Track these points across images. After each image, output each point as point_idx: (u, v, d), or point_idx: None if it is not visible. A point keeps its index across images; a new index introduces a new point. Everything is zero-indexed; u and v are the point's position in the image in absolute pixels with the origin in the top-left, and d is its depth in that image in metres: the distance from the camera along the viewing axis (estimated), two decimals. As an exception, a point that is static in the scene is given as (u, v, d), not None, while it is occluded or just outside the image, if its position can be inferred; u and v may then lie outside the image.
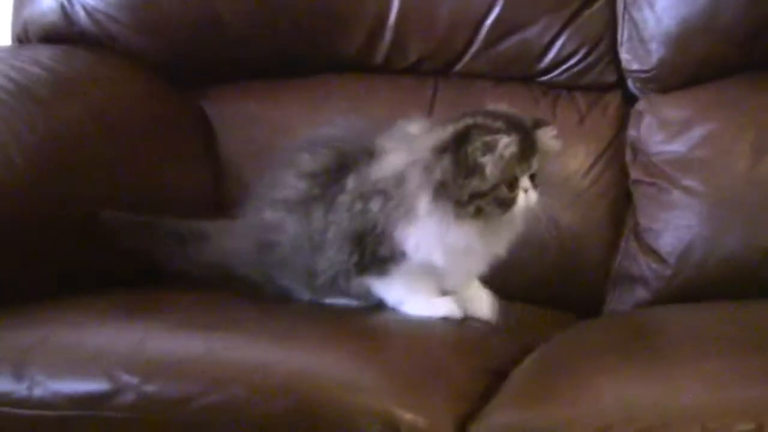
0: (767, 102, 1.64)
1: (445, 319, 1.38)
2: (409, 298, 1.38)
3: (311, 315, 1.39)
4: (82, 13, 1.79)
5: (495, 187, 1.31)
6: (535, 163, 1.34)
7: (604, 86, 1.75)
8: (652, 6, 1.68)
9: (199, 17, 1.78)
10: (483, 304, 1.40)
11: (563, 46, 1.74)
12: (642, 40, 1.69)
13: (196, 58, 1.81)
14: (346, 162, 1.38)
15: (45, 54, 1.72)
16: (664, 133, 1.67)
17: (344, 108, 1.78)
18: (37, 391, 1.23)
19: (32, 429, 1.23)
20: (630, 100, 1.74)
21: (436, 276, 1.37)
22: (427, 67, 1.79)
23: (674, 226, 1.61)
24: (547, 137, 1.37)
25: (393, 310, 1.40)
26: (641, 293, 1.63)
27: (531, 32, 1.74)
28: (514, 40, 1.75)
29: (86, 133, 1.61)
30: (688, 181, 1.63)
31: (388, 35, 1.78)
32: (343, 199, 1.37)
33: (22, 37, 1.83)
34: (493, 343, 1.36)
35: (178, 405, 1.20)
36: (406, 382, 1.21)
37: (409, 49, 1.78)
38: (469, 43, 1.76)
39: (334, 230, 1.37)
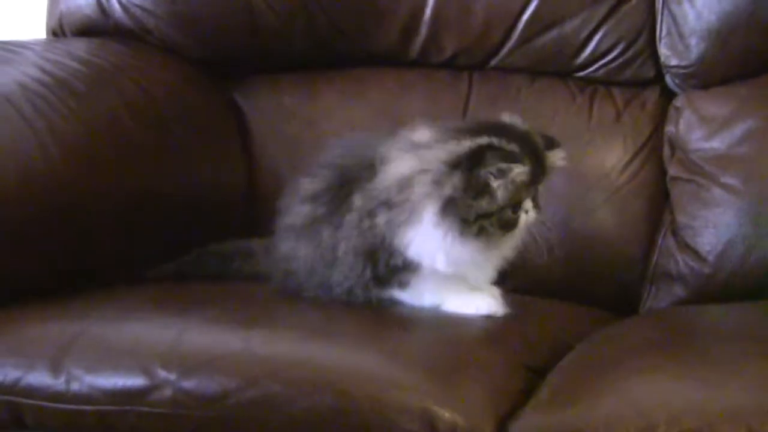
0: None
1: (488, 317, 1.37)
2: (447, 297, 1.38)
3: (349, 310, 1.38)
4: (117, 7, 1.79)
5: (501, 209, 1.32)
6: (541, 186, 1.36)
7: (642, 82, 1.73)
8: (692, 1, 1.66)
9: (234, 10, 1.78)
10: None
11: (601, 41, 1.72)
12: (681, 35, 1.67)
13: (231, 50, 1.80)
14: (348, 178, 1.39)
15: (81, 47, 1.72)
16: (703, 129, 1.65)
17: (379, 102, 1.77)
18: (74, 386, 1.23)
19: (69, 423, 1.23)
20: (668, 95, 1.72)
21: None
22: (463, 62, 1.78)
23: (713, 224, 1.59)
24: (557, 158, 1.39)
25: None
26: (679, 291, 1.61)
27: (568, 27, 1.72)
28: (551, 35, 1.73)
29: (123, 126, 1.61)
30: (727, 179, 1.61)
31: (424, 29, 1.77)
32: (351, 218, 1.37)
33: (57, 31, 1.83)
34: (531, 340, 1.35)
35: (215, 401, 1.20)
36: (445, 379, 1.21)
37: (444, 43, 1.77)
38: (506, 37, 1.75)
39: (344, 246, 1.37)
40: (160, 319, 1.36)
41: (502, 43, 1.75)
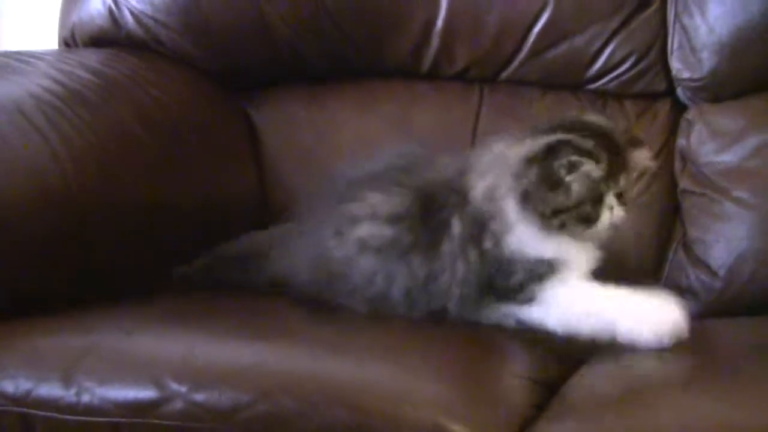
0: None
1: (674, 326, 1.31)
2: (623, 319, 1.32)
3: (363, 324, 1.38)
4: (129, 18, 1.79)
5: (579, 204, 1.32)
6: (623, 182, 1.34)
7: (653, 95, 1.73)
8: (703, 14, 1.66)
9: (246, 21, 1.78)
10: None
11: (612, 53, 1.72)
12: (693, 49, 1.67)
13: (243, 62, 1.81)
14: (432, 202, 1.38)
15: (93, 58, 1.73)
16: (715, 142, 1.65)
17: (390, 114, 1.78)
18: (85, 398, 1.23)
19: (81, 436, 1.24)
20: (680, 108, 1.72)
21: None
22: (474, 74, 1.78)
23: (725, 238, 1.59)
24: (641, 158, 1.38)
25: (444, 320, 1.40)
26: (690, 305, 1.60)
27: (580, 40, 1.72)
28: (562, 47, 1.73)
29: (136, 137, 1.62)
30: (739, 193, 1.60)
31: (436, 42, 1.77)
32: (451, 246, 1.36)
33: (69, 41, 1.84)
34: (543, 354, 1.35)
35: (227, 415, 1.19)
36: (457, 394, 1.20)
37: (456, 55, 1.77)
38: (517, 50, 1.75)
39: (447, 278, 1.36)
40: (171, 332, 1.36)
41: (514, 56, 1.75)
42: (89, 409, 1.23)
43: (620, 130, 1.39)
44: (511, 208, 1.34)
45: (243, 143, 1.79)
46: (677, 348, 1.30)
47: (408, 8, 1.76)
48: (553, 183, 1.32)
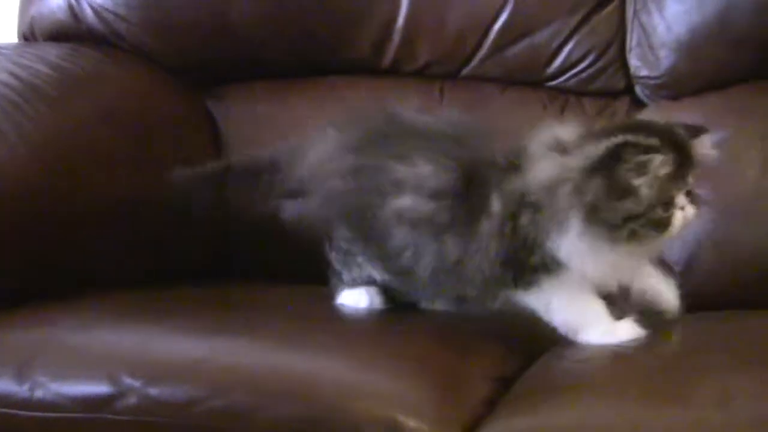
0: (779, 110, 1.64)
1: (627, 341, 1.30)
2: (585, 326, 1.31)
3: (321, 318, 1.39)
4: (89, 12, 1.78)
5: (650, 208, 1.24)
6: (691, 179, 1.28)
7: (612, 92, 1.73)
8: (662, 12, 1.67)
9: (208, 17, 1.78)
10: (669, 293, 1.35)
11: (572, 51, 1.73)
12: (651, 47, 1.68)
13: (204, 57, 1.80)
14: (473, 180, 1.31)
15: (52, 52, 1.72)
16: (673, 140, 1.66)
17: (352, 110, 1.77)
18: (39, 393, 1.23)
19: (34, 431, 1.23)
20: (639, 106, 1.72)
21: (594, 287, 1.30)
22: (436, 71, 1.78)
23: (681, 235, 1.59)
24: (705, 147, 1.30)
25: (401, 313, 1.40)
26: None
27: (540, 37, 1.73)
28: (522, 44, 1.74)
29: (95, 132, 1.61)
30: (696, 189, 1.61)
31: (397, 38, 1.77)
32: (490, 225, 1.29)
33: (28, 35, 1.83)
34: (499, 350, 1.36)
35: (182, 409, 1.19)
36: (414, 389, 1.21)
37: (417, 52, 1.78)
38: (478, 47, 1.75)
39: (479, 259, 1.30)
40: (128, 326, 1.36)
41: (474, 53, 1.76)
42: (43, 405, 1.23)
43: (677, 124, 1.31)
44: (573, 224, 1.25)
45: (205, 140, 1.79)
46: (624, 346, 1.30)
47: (369, 4, 1.76)
48: (622, 190, 1.24)
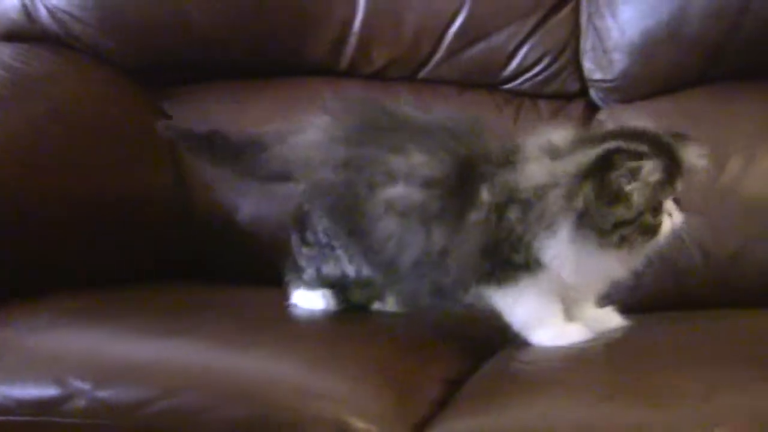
0: (731, 114, 1.65)
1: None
2: (538, 326, 1.32)
3: (274, 319, 1.39)
4: (44, 12, 1.77)
5: (640, 214, 1.26)
6: (680, 185, 1.29)
7: (567, 95, 1.75)
8: (615, 16, 1.68)
9: (166, 17, 1.77)
10: (612, 319, 1.37)
11: (527, 54, 1.74)
12: (605, 50, 1.70)
13: (161, 58, 1.80)
14: (466, 172, 1.31)
15: (6, 53, 1.71)
16: (625, 143, 1.67)
17: (311, 113, 1.77)
18: (-13, 396, 1.22)
19: (-12, 434, 1.23)
20: (593, 109, 1.74)
21: (562, 291, 1.31)
22: (394, 73, 1.79)
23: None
24: (693, 156, 1.31)
25: (354, 315, 1.40)
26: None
27: (496, 40, 1.74)
28: (479, 47, 1.75)
29: (49, 133, 1.60)
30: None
31: (353, 40, 1.78)
32: (477, 216, 1.29)
33: (-18, 36, 1.82)
34: (449, 351, 1.36)
35: (130, 411, 1.19)
36: (361, 390, 1.21)
37: (374, 54, 1.78)
38: (434, 49, 1.76)
39: (462, 249, 1.29)
40: (80, 328, 1.36)
41: (431, 55, 1.76)
42: (-9, 407, 1.22)
43: (665, 131, 1.32)
44: (563, 229, 1.26)
45: (161, 142, 1.77)
46: (580, 348, 1.31)
47: (327, 5, 1.77)
48: (612, 196, 1.25)
